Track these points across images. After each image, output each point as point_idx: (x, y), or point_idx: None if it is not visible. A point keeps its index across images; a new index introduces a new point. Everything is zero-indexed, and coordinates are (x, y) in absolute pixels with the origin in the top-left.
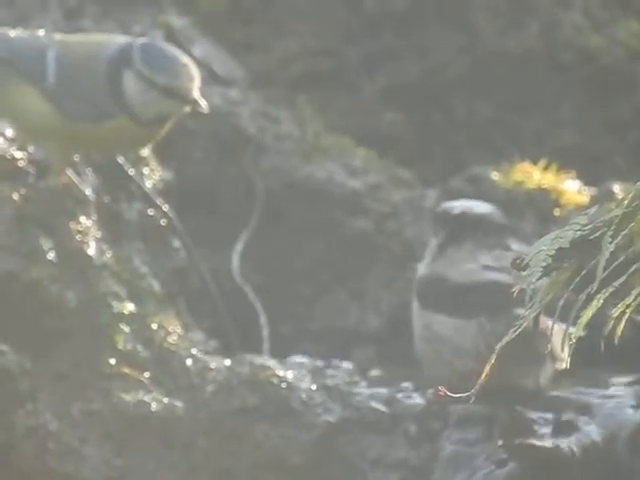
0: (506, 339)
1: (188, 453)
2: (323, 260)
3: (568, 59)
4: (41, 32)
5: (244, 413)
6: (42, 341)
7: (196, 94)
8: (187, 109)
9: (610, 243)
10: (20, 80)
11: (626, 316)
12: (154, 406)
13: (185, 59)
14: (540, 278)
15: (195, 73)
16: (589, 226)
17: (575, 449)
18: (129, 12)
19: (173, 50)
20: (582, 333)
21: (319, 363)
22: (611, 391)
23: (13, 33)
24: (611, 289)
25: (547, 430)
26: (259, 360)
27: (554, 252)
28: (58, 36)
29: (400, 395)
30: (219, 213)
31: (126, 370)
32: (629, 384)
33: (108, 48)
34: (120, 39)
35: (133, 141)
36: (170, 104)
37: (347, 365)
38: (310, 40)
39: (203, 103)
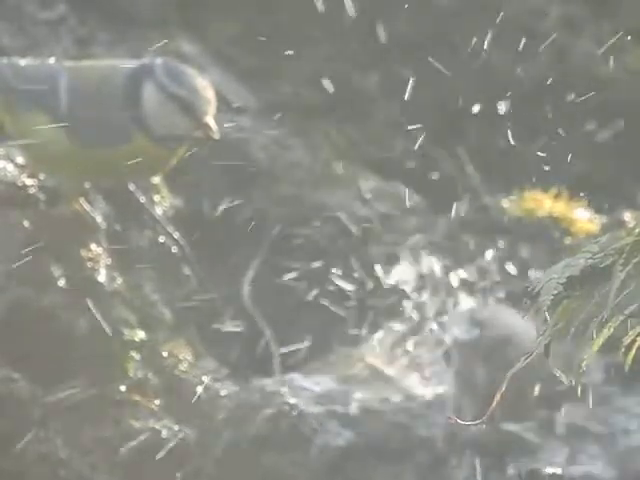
0: (517, 366)
1: None
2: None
3: (579, 87)
4: (52, 60)
5: (255, 440)
6: (53, 369)
7: (210, 119)
8: (198, 134)
9: (621, 271)
10: (33, 108)
11: (637, 344)
12: (165, 434)
13: (205, 82)
14: (551, 306)
15: (213, 98)
16: (600, 254)
17: (586, 477)
18: (140, 39)
19: (194, 71)
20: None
21: None
22: (623, 417)
23: (24, 61)
24: (622, 317)
25: (559, 458)
26: (270, 387)
27: (565, 280)
28: (69, 62)
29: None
30: (230, 241)
31: (137, 398)
32: None
33: (125, 67)
34: (134, 61)
35: (146, 167)
36: (184, 121)
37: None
38: (322, 67)
39: (215, 129)
